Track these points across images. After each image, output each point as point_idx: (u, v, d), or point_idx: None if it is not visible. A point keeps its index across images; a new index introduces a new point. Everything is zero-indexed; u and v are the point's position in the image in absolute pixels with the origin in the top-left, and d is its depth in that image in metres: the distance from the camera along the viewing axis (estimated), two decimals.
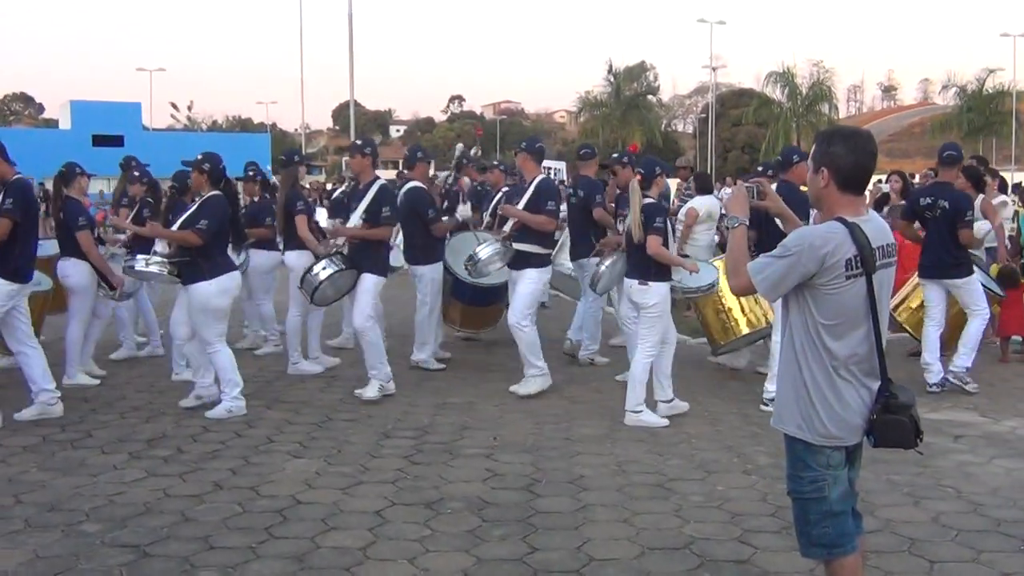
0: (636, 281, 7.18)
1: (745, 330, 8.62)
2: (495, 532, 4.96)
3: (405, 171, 9.89)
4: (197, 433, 6.84)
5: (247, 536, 4.90)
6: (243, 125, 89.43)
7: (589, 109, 67.39)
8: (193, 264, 7.20)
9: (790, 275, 3.33)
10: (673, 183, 15.30)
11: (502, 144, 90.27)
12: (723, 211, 11.02)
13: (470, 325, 10.40)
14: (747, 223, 3.67)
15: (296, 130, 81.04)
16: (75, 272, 8.22)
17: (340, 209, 8.72)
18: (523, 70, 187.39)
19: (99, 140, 53.09)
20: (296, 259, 8.88)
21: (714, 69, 64.13)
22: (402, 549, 4.74)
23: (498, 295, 9.70)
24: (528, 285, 8.03)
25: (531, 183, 8.11)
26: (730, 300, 8.56)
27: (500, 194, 9.48)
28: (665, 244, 7.13)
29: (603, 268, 7.97)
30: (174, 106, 79.84)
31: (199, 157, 7.45)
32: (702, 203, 11.54)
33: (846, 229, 3.30)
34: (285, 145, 73.45)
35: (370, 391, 7.79)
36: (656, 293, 7.11)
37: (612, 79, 64.93)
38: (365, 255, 7.85)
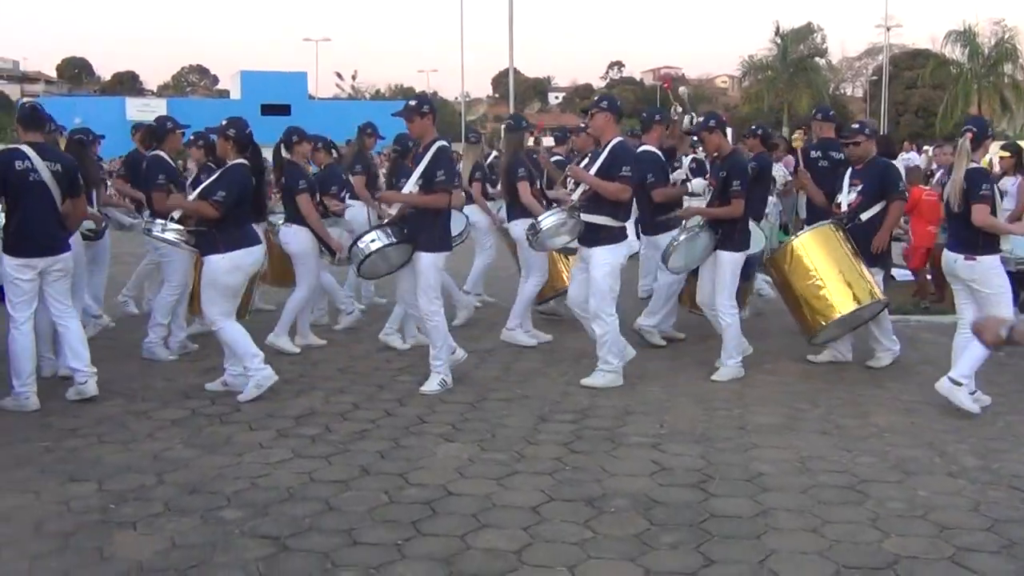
0: (962, 256, 6.46)
1: (852, 306, 7.41)
2: (665, 538, 4.42)
3: (641, 134, 9.21)
4: (347, 411, 6.53)
5: (393, 531, 4.51)
6: (405, 94, 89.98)
7: (753, 73, 65.16)
8: (209, 235, 6.69)
9: None
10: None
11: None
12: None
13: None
14: None
15: (456, 98, 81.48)
16: (295, 239, 8.21)
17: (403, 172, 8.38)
18: (683, 34, 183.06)
19: (267, 109, 54.51)
20: (520, 228, 8.34)
21: (888, 29, 60.99)
22: (561, 554, 4.25)
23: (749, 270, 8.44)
24: (601, 268, 7.06)
25: (607, 145, 7.12)
26: (825, 274, 7.47)
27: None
28: (993, 212, 6.40)
29: (678, 241, 7.44)
30: (339, 75, 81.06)
31: (224, 122, 6.91)
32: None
33: None
34: (446, 113, 74.07)
35: (431, 384, 7.03)
36: (985, 267, 6.42)
37: (779, 41, 62.54)
38: (421, 227, 6.98)
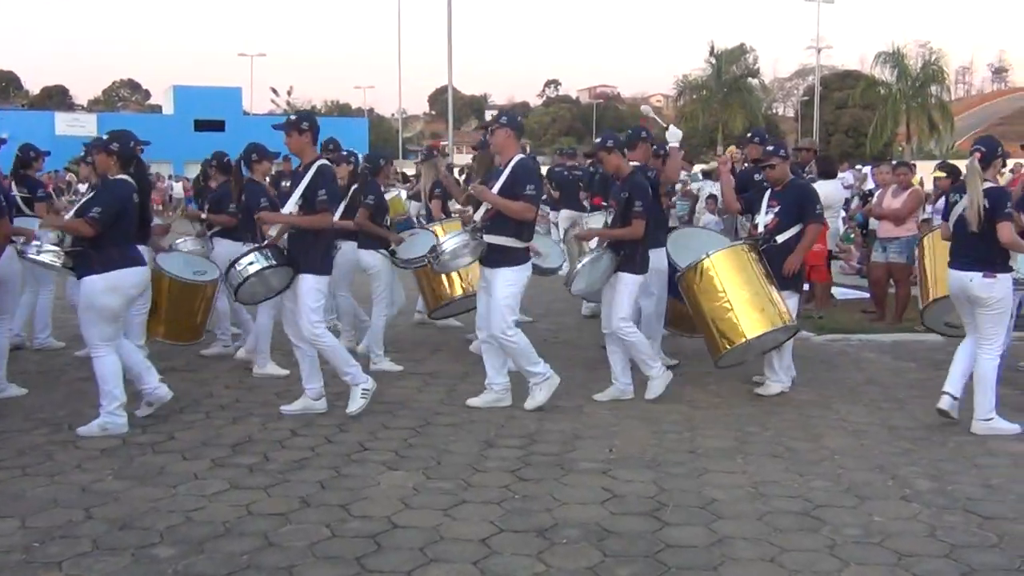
0: (979, 274, 6.37)
1: (760, 330, 7.15)
2: (620, 571, 4.26)
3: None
4: (285, 438, 6.29)
5: (336, 567, 4.29)
6: (341, 110, 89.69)
7: (689, 92, 65.94)
8: (85, 255, 6.30)
9: None
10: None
11: (598, 129, 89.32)
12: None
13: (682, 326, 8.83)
14: None
15: (393, 115, 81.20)
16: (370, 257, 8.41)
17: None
18: (619, 53, 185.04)
19: (201, 125, 53.80)
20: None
21: (819, 50, 62.07)
22: None
23: None
24: (505, 288, 6.85)
25: (508, 163, 6.90)
26: (735, 295, 7.19)
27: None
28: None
29: (582, 265, 7.18)
30: (274, 91, 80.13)
31: (107, 136, 6.56)
32: (824, 188, 10.62)
33: None
34: (382, 130, 73.82)
35: (353, 404, 6.81)
36: (1003, 285, 6.38)
37: (713, 61, 63.38)
38: (301, 249, 6.71)
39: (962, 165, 10.89)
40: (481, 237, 6.92)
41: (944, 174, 11.11)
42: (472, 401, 7.09)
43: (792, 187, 7.57)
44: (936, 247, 7.69)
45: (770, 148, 7.72)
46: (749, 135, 9.71)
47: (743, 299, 7.17)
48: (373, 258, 8.41)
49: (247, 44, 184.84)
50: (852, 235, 15.94)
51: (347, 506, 5.05)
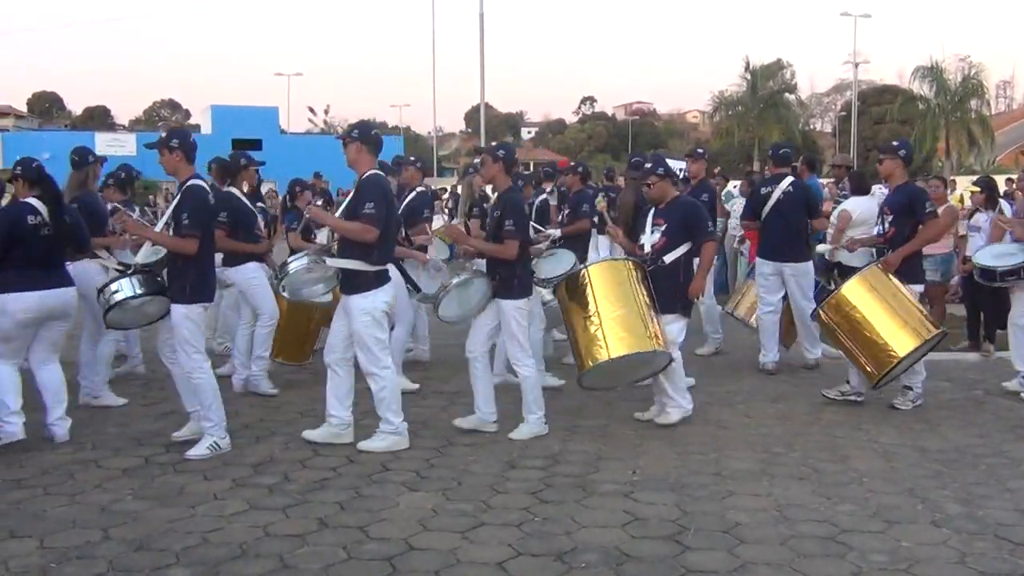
0: None
1: (622, 351, 6.66)
2: None
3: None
4: (307, 458, 6.26)
5: None
6: (377, 128, 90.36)
7: (724, 108, 65.60)
8: None
9: None
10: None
11: (633, 145, 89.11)
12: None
13: None
14: None
15: (429, 133, 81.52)
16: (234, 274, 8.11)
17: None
18: (655, 70, 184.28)
19: (238, 144, 54.09)
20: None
21: (856, 65, 61.57)
22: None
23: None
24: (360, 319, 6.34)
25: (359, 180, 6.47)
26: (604, 311, 6.72)
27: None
28: None
29: (450, 286, 6.86)
30: (311, 110, 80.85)
31: (15, 163, 6.56)
32: (857, 205, 10.49)
33: None
34: (418, 147, 74.09)
35: (199, 449, 6.31)
36: None
37: (748, 77, 63.03)
38: (172, 275, 6.36)
39: (1001, 180, 10.75)
40: (323, 260, 6.58)
41: (980, 189, 10.91)
42: (308, 434, 6.59)
43: (677, 205, 7.24)
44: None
45: (648, 165, 7.50)
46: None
47: (614, 316, 6.71)
48: (238, 274, 8.07)
49: (284, 64, 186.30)
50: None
51: (365, 528, 5.01)
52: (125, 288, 6.44)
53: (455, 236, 7.25)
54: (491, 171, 6.91)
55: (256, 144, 52.69)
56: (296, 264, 6.72)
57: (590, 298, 6.80)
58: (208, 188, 6.48)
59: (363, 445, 6.42)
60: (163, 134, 6.59)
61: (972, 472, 5.96)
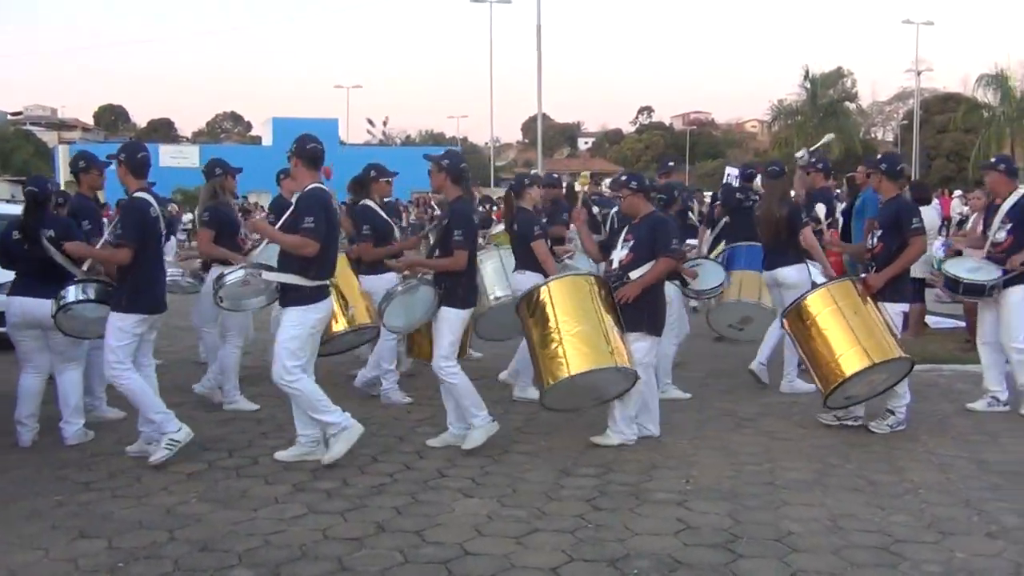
0: None
1: (583, 367, 6.54)
2: None
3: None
4: (365, 464, 6.40)
5: None
6: (435, 139, 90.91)
7: (783, 117, 65.06)
8: None
9: None
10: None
11: (691, 156, 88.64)
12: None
13: None
14: None
15: (486, 144, 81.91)
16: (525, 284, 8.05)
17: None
18: (713, 79, 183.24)
19: None
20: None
21: (919, 73, 60.72)
22: None
23: None
24: (287, 329, 6.29)
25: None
26: (565, 328, 6.63)
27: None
28: None
29: (394, 295, 6.78)
30: (370, 122, 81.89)
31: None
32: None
33: None
34: (475, 158, 74.47)
35: (158, 454, 6.33)
36: None
37: (808, 86, 62.46)
38: (116, 283, 6.48)
39: None
40: (259, 273, 6.51)
41: None
42: (280, 455, 6.50)
43: (647, 220, 7.05)
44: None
45: (623, 179, 7.43)
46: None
47: (575, 332, 6.59)
48: (380, 281, 8.04)
49: (344, 76, 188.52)
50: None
51: (421, 532, 5.11)
52: (72, 294, 6.57)
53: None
54: (437, 180, 6.82)
55: None
56: (232, 277, 6.69)
57: (550, 314, 6.72)
58: (151, 202, 6.51)
59: (326, 459, 6.31)
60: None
61: None
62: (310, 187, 6.42)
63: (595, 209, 10.87)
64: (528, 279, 7.71)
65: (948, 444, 6.84)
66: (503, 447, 6.78)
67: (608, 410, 6.92)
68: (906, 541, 4.95)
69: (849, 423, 7.30)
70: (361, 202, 8.43)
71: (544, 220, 9.80)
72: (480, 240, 9.03)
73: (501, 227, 10.67)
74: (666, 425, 7.25)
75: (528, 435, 7.13)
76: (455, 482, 6.01)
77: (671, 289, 8.16)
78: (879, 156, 8.10)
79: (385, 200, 8.74)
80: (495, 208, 19.50)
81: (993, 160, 8.24)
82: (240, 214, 8.51)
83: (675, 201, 8.69)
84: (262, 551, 4.86)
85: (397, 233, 8.65)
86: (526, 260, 8.10)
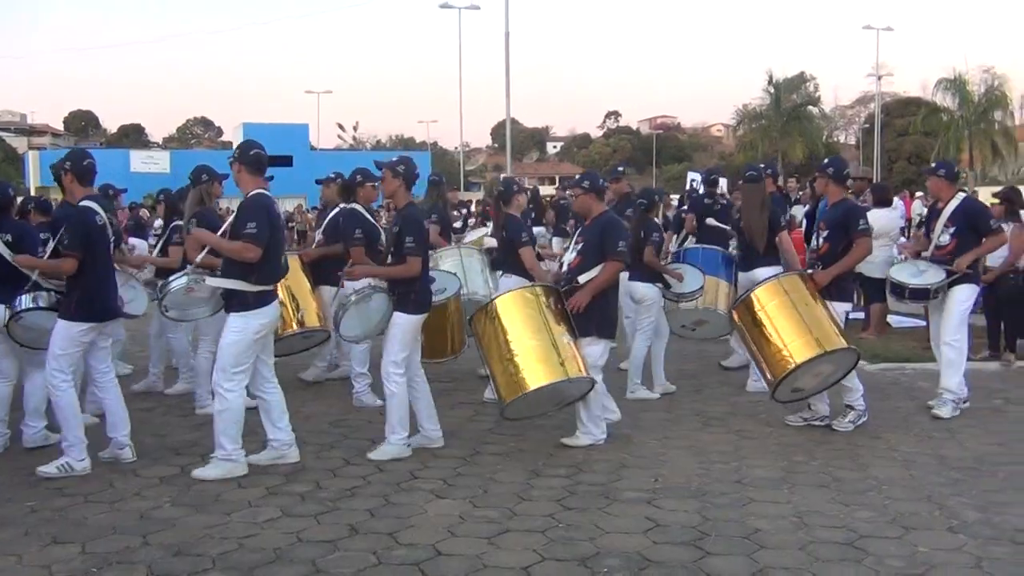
0: None
1: (541, 381, 6.57)
2: None
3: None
4: (338, 467, 6.44)
5: None
6: (405, 144, 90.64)
7: (748, 122, 65.57)
8: None
9: None
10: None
11: (658, 159, 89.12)
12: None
13: None
14: None
15: (456, 148, 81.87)
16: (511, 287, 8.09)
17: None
18: (679, 84, 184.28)
19: (270, 160, 54.59)
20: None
21: (879, 77, 61.44)
22: None
23: None
24: (228, 335, 6.22)
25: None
26: (517, 343, 6.65)
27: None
28: None
29: (348, 304, 6.69)
30: (340, 127, 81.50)
31: None
32: (878, 216, 10.62)
33: None
34: (446, 163, 74.42)
35: (49, 468, 6.23)
36: None
37: (772, 90, 63.00)
38: (65, 291, 6.42)
39: None
40: (203, 279, 6.51)
41: (999, 201, 10.97)
42: (252, 459, 6.41)
43: (597, 222, 7.03)
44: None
45: (576, 177, 7.49)
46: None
47: (527, 347, 6.62)
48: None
49: (314, 82, 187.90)
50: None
51: (394, 534, 5.16)
52: (24, 302, 6.49)
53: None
54: (391, 186, 6.78)
55: (287, 160, 53.10)
56: (176, 283, 6.69)
57: (500, 330, 6.74)
58: (97, 210, 6.45)
59: (197, 473, 6.21)
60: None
61: (990, 480, 6.05)
62: (253, 193, 6.38)
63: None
64: (514, 283, 7.78)
65: (910, 441, 6.97)
66: (474, 448, 6.85)
67: (575, 412, 7.00)
68: (870, 536, 5.06)
69: (816, 423, 7.41)
70: (349, 207, 8.43)
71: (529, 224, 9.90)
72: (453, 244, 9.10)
73: (476, 234, 10.68)
74: (635, 425, 7.35)
75: (499, 436, 7.19)
76: (427, 484, 6.06)
77: (652, 291, 8.29)
78: (826, 160, 8.25)
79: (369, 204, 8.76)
80: (470, 212, 19.56)
81: (934, 165, 8.43)
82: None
83: (655, 205, 8.81)
84: (236, 555, 4.89)
85: (383, 237, 8.63)
86: (513, 265, 8.19)
